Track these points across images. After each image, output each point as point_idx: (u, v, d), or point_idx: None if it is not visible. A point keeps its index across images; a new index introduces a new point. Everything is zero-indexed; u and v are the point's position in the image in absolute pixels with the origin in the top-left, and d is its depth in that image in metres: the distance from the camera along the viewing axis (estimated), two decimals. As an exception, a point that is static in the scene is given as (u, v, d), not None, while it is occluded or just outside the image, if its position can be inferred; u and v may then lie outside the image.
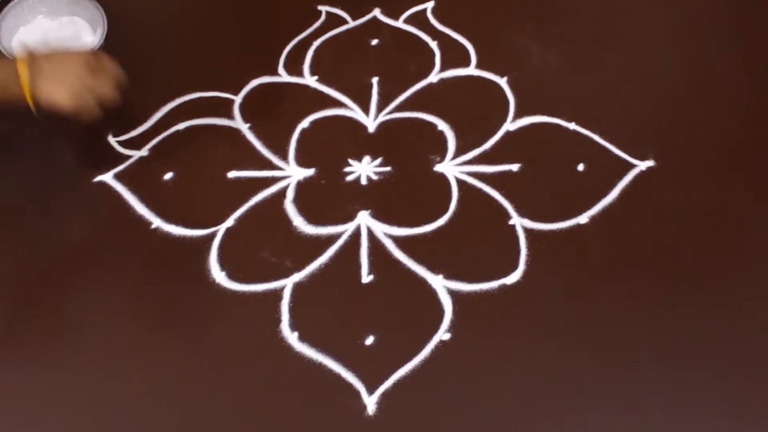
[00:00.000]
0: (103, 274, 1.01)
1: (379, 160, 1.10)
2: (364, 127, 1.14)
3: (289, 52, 1.22)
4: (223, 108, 1.16)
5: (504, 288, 0.98)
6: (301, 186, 1.08)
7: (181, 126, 1.14)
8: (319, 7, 1.27)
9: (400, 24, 1.25)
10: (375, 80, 1.18)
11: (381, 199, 1.06)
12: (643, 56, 1.20)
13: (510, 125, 1.12)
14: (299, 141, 1.12)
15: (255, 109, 1.16)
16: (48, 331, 0.97)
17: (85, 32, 1.17)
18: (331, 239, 1.03)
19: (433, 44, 1.22)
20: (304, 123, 1.14)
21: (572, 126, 1.12)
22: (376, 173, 1.09)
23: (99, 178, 1.09)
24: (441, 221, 1.04)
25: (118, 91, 1.00)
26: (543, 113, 1.13)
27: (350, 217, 1.04)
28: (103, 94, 0.99)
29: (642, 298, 0.97)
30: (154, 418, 0.90)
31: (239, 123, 1.14)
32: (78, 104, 0.96)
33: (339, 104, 1.16)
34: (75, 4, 1.17)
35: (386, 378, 0.91)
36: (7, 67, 0.96)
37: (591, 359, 0.92)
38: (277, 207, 1.06)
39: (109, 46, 1.14)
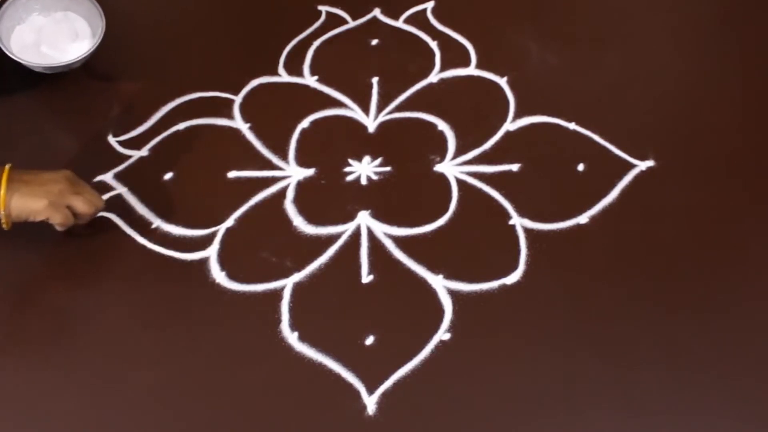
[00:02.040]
0: (102, 274, 1.01)
1: (379, 160, 1.10)
2: (364, 127, 1.14)
3: (289, 52, 1.22)
4: (223, 108, 1.16)
5: (504, 288, 0.98)
6: (301, 186, 1.08)
7: (181, 126, 1.14)
8: (319, 7, 1.27)
9: (400, 24, 1.25)
10: (375, 80, 1.18)
11: (381, 199, 1.06)
12: (643, 56, 1.20)
13: (510, 125, 1.12)
14: (299, 141, 1.12)
15: (255, 109, 1.16)
16: (48, 331, 0.96)
17: (82, 27, 1.15)
18: (331, 239, 1.02)
19: (433, 44, 1.22)
20: (304, 123, 1.14)
21: (572, 126, 1.12)
22: (376, 173, 1.09)
23: (99, 178, 1.09)
24: (441, 221, 1.04)
25: (94, 209, 0.98)
26: (543, 113, 1.13)
27: (350, 217, 1.04)
28: (79, 208, 0.96)
29: (642, 298, 0.97)
30: (154, 418, 0.90)
31: (239, 123, 1.14)
32: (54, 213, 0.94)
33: (339, 104, 1.16)
34: (69, 0, 1.15)
35: (386, 378, 0.91)
36: None
37: (591, 359, 0.92)
38: (277, 207, 1.06)
39: (108, 46, 1.14)
